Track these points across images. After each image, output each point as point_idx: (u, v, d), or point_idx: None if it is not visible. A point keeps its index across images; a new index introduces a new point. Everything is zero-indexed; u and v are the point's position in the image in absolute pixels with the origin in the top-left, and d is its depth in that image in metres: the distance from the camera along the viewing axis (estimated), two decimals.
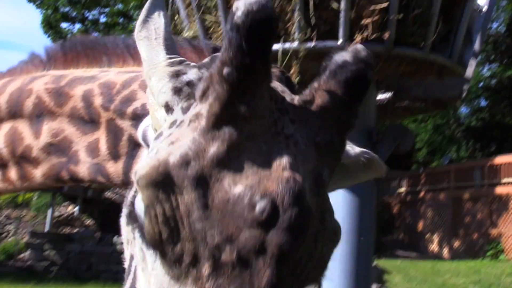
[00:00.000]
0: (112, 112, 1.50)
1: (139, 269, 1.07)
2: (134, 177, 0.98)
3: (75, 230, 21.98)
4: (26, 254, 18.92)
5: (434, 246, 27.03)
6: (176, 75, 1.12)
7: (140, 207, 1.02)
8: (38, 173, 1.52)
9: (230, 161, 0.93)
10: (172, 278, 0.95)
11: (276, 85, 1.08)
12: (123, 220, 1.14)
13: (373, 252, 5.08)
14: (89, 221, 22.83)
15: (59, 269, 18.53)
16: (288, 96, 1.05)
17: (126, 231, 1.13)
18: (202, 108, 0.95)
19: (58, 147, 1.52)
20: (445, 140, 35.59)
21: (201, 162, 0.92)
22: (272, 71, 1.09)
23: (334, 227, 1.03)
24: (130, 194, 1.13)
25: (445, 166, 31.46)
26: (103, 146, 1.49)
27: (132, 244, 1.10)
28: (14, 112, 1.67)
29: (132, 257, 1.13)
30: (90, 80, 1.58)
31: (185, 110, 1.04)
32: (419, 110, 5.77)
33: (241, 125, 0.93)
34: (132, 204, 1.08)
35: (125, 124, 1.48)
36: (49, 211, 21.55)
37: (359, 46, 0.99)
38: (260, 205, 0.88)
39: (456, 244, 25.55)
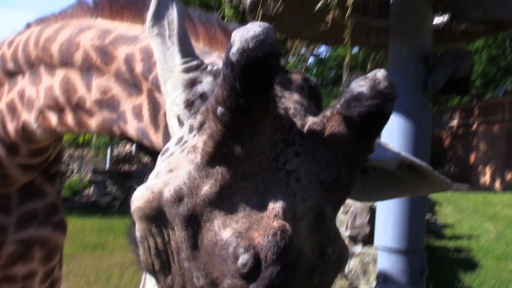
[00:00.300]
0: (151, 83, 1.44)
1: (148, 277, 1.05)
2: (131, 205, 0.95)
3: (133, 168, 22.77)
4: (90, 190, 19.77)
5: (485, 179, 26.64)
6: (191, 84, 1.07)
7: (137, 234, 0.98)
8: (92, 123, 1.54)
9: (223, 201, 0.88)
10: None
11: (290, 103, 1.01)
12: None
13: None
14: (145, 159, 23.49)
15: (121, 203, 19.26)
16: (299, 120, 0.98)
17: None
18: (198, 142, 0.91)
19: (108, 104, 1.51)
20: (500, 72, 34.26)
21: (193, 200, 0.88)
22: (293, 79, 1.06)
23: (339, 256, 0.98)
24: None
25: (499, 98, 30.45)
26: (146, 114, 1.45)
27: None
28: (65, 62, 1.67)
29: None
30: (132, 41, 1.53)
31: (191, 130, 0.98)
32: (477, 33, 5.50)
33: (236, 165, 0.88)
34: (134, 225, 1.03)
35: (161, 99, 1.41)
36: (108, 150, 22.38)
37: (380, 74, 0.88)
38: (243, 258, 0.83)
39: (509, 176, 25.05)
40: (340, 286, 5.29)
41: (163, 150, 1.04)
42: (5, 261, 1.97)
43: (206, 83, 1.06)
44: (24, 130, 1.77)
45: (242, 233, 0.85)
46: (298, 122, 0.97)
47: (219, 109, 0.83)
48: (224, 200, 0.88)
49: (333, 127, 0.92)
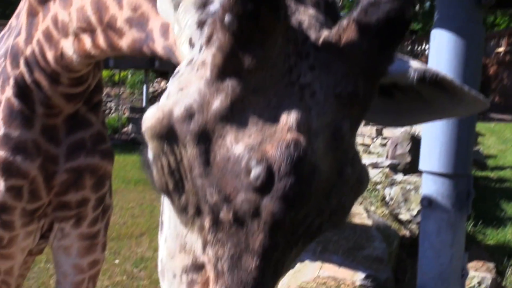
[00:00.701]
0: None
1: (166, 203, 1.06)
2: (142, 126, 0.92)
3: None
4: (129, 127, 20.19)
5: None
6: (203, 4, 1.01)
7: (150, 155, 0.97)
8: (123, 44, 1.53)
9: (234, 116, 0.86)
10: (182, 223, 0.96)
11: (304, 17, 0.96)
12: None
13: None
14: None
15: None
16: (314, 33, 0.92)
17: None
18: (207, 56, 0.88)
19: (138, 22, 1.50)
20: None
21: (204, 116, 0.86)
22: None
23: (359, 177, 0.95)
24: None
25: None
26: (171, 32, 1.44)
27: None
28: None
29: None
30: None
31: (201, 48, 0.95)
32: None
33: (246, 78, 0.85)
34: (145, 151, 1.03)
35: None
36: (144, 88, 22.61)
37: None
38: (255, 171, 0.82)
39: None
40: (380, 214, 5.26)
41: (174, 72, 1.01)
42: (59, 189, 2.05)
43: (218, 2, 1.00)
44: (62, 58, 1.77)
45: (254, 147, 0.84)
46: (312, 35, 0.92)
47: (227, 17, 0.80)
48: (236, 115, 0.86)
49: (349, 37, 0.87)
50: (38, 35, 1.83)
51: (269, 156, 0.82)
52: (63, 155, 2.03)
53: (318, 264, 3.47)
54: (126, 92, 25.42)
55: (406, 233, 5.35)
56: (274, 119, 0.86)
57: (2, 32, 2.26)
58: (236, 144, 0.84)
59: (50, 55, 1.80)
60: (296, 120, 0.85)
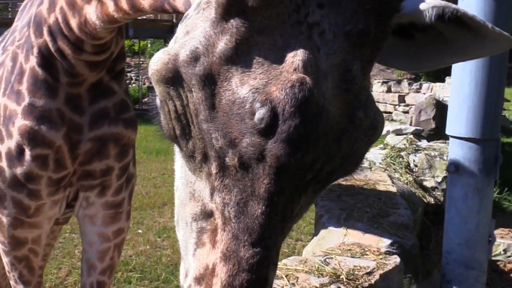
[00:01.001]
0: None
1: (177, 151, 1.05)
2: (149, 70, 0.93)
3: None
4: (149, 97, 20.29)
5: None
6: None
7: (157, 101, 0.98)
8: (145, 4, 1.52)
9: (239, 58, 0.84)
10: (190, 171, 0.96)
11: None
12: None
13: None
14: None
15: None
16: None
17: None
18: None
19: None
20: None
21: (209, 59, 0.85)
22: None
23: (372, 122, 0.93)
24: None
25: None
26: None
27: None
28: None
29: None
30: None
31: None
32: None
33: (251, 17, 0.83)
34: (155, 95, 1.01)
35: None
36: None
37: None
38: (259, 113, 0.81)
39: None
40: (405, 181, 5.21)
41: (183, 17, 1.00)
42: (84, 158, 2.07)
43: None
44: (86, 24, 1.76)
45: (259, 89, 0.82)
46: None
47: None
48: (241, 57, 0.84)
49: None
50: (61, 2, 1.81)
51: (274, 97, 0.81)
52: (87, 124, 2.02)
53: (342, 231, 3.47)
54: (146, 62, 25.45)
55: (431, 200, 5.30)
56: (280, 60, 0.84)
57: (25, 2, 2.25)
58: (241, 87, 0.83)
59: (73, 22, 1.79)
60: (302, 60, 0.82)
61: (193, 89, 0.86)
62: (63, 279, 4.98)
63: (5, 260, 2.24)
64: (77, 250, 5.72)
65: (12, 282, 2.29)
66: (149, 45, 26.46)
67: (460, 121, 3.69)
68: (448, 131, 3.81)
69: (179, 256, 3.87)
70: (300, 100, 0.80)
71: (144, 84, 21.88)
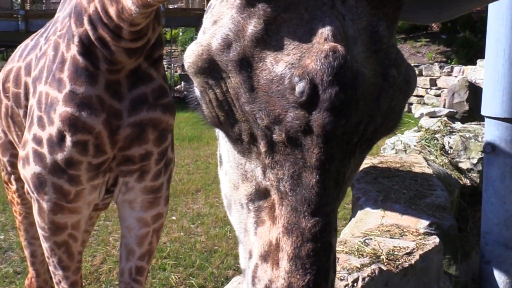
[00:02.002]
0: None
1: (221, 136, 1.08)
2: (184, 64, 0.96)
3: None
4: (181, 85, 20.38)
5: None
6: None
7: (197, 92, 1.01)
8: None
9: (270, 38, 0.88)
10: (239, 153, 0.99)
11: None
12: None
13: None
14: None
15: None
16: None
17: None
18: None
19: None
20: None
21: (241, 43, 0.88)
22: None
23: (405, 77, 0.96)
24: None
25: None
26: None
27: None
28: None
29: None
30: None
31: None
32: None
33: None
34: (192, 86, 1.05)
35: None
36: None
37: None
38: (299, 87, 0.84)
39: None
40: (440, 163, 5.14)
41: (206, 8, 1.04)
42: (123, 144, 2.11)
43: None
44: (123, 11, 1.81)
45: (294, 64, 0.86)
46: None
47: None
48: (271, 36, 0.88)
49: None
50: None
51: (310, 69, 0.84)
52: (126, 110, 2.07)
53: (380, 213, 3.47)
54: (177, 50, 25.59)
55: (467, 182, 5.23)
56: (309, 33, 0.87)
57: None
58: (276, 64, 0.86)
59: (112, 10, 1.84)
60: (331, 30, 0.86)
61: (230, 75, 0.89)
62: (98, 266, 5.07)
63: (45, 245, 2.29)
64: (111, 237, 5.84)
65: (51, 268, 2.34)
66: (180, 34, 26.58)
67: (495, 101, 3.66)
68: (483, 112, 3.77)
69: (213, 243, 3.95)
70: (336, 68, 0.83)
71: (176, 72, 22.03)
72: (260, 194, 0.97)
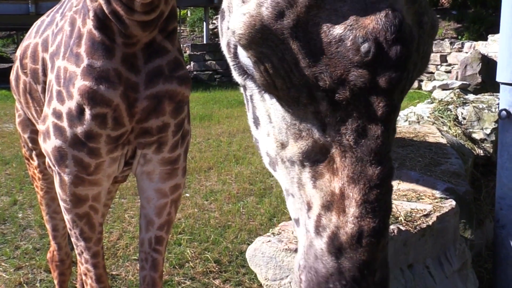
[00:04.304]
0: None
1: (257, 99, 1.11)
2: (232, 35, 0.96)
3: None
4: (191, 65, 20.33)
5: None
6: None
7: (246, 61, 1.03)
8: None
9: (323, 1, 0.88)
10: (292, 115, 1.01)
11: None
12: (233, 70, 1.14)
13: None
14: None
15: (221, 76, 19.80)
16: None
17: (237, 74, 1.13)
18: None
19: None
20: None
21: (294, 10, 0.88)
22: None
23: (432, 22, 1.00)
24: (229, 41, 1.11)
25: None
26: None
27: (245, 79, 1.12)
28: None
29: (245, 87, 1.16)
30: None
31: None
32: None
33: None
34: (236, 55, 1.08)
35: None
36: (204, 25, 22.63)
37: None
38: (364, 47, 0.86)
39: None
40: (453, 134, 5.14)
41: None
42: (140, 116, 2.12)
43: None
44: None
45: (353, 25, 0.88)
46: None
47: None
48: (324, 0, 0.89)
49: None
50: None
51: (372, 29, 0.87)
52: (143, 83, 2.08)
53: (395, 180, 3.48)
54: (186, 30, 25.51)
55: (480, 152, 5.23)
56: None
57: None
58: (333, 28, 0.88)
59: None
60: None
61: (286, 42, 0.90)
62: (115, 242, 5.14)
63: (67, 217, 2.32)
64: (127, 214, 5.90)
65: (73, 239, 2.38)
66: (189, 14, 26.47)
67: (510, 68, 3.63)
68: (498, 78, 3.75)
69: (227, 218, 4.00)
70: (398, 25, 0.87)
71: (185, 52, 21.99)
72: (317, 150, 1.01)
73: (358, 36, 0.87)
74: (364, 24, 0.87)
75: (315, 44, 0.89)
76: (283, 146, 1.07)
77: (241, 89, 1.21)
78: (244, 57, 1.03)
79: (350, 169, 0.95)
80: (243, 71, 1.07)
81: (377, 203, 0.95)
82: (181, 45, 23.97)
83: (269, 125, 1.10)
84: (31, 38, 2.56)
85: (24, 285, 4.32)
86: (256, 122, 1.15)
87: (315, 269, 1.01)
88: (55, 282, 3.39)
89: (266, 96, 1.08)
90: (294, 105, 0.99)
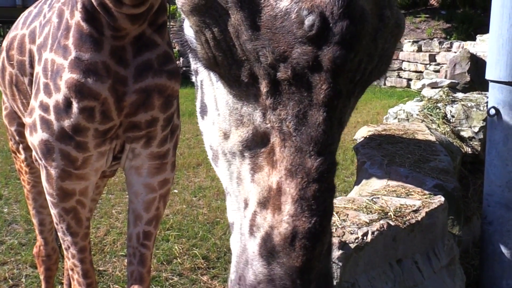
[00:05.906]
0: None
1: (207, 84, 1.05)
2: (177, 4, 0.91)
3: None
4: (180, 61, 20.26)
5: None
6: None
7: (189, 32, 0.96)
8: None
9: None
10: (235, 97, 0.95)
11: None
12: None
13: None
14: None
15: None
16: None
17: (191, 60, 1.08)
18: None
19: None
20: None
21: None
22: None
23: (397, 20, 0.94)
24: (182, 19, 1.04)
25: None
26: None
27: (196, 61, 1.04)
28: None
29: (197, 71, 1.12)
30: None
31: None
32: None
33: None
34: (182, 28, 1.01)
35: None
36: None
37: None
38: (308, 20, 0.80)
39: None
40: (442, 132, 5.16)
41: None
42: (129, 110, 2.11)
43: None
44: None
45: None
46: None
47: None
48: None
49: None
50: None
51: (319, 2, 0.81)
52: (132, 76, 2.06)
53: (385, 176, 3.53)
54: (176, 25, 25.41)
55: (468, 150, 5.26)
56: None
57: None
58: (280, 0, 0.83)
59: None
60: None
61: (230, 12, 0.86)
62: (102, 238, 5.12)
63: (53, 212, 2.29)
64: (114, 210, 5.89)
65: (60, 234, 2.35)
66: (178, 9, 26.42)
67: (500, 65, 3.67)
68: (487, 76, 3.78)
69: (215, 215, 3.99)
70: (346, 0, 0.81)
71: (175, 47, 21.91)
72: (257, 139, 0.94)
73: (303, 9, 0.81)
74: None
75: (260, 17, 0.84)
76: (225, 136, 1.01)
77: (193, 77, 1.15)
78: (188, 27, 0.97)
79: (289, 161, 0.88)
80: (187, 45, 0.99)
81: (314, 201, 0.86)
82: (171, 40, 23.92)
83: (215, 112, 1.03)
84: (18, 29, 2.52)
85: (9, 280, 4.29)
86: (203, 110, 1.09)
87: (244, 277, 0.93)
88: (41, 277, 3.36)
89: (213, 78, 1.02)
90: (235, 85, 0.92)
